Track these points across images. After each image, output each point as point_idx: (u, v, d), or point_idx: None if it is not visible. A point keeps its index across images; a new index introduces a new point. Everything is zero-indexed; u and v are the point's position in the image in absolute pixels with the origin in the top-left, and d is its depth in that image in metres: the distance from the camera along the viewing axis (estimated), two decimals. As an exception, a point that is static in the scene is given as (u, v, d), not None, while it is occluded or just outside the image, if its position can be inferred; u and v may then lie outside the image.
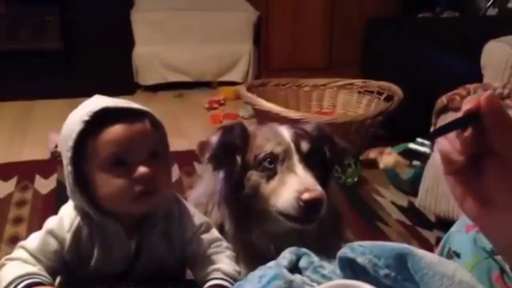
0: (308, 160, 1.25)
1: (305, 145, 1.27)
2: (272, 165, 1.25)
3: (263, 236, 1.28)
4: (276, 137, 1.29)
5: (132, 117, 1.04)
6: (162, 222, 1.11)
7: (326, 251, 1.06)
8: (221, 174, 1.32)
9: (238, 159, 1.28)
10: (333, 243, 1.37)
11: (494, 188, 0.66)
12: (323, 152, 1.33)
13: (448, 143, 0.68)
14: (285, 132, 1.30)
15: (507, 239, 0.69)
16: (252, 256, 1.24)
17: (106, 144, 1.01)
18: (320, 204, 1.18)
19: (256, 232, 1.28)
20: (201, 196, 1.39)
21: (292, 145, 1.26)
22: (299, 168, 1.23)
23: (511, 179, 0.64)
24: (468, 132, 0.65)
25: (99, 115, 1.02)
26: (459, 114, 0.65)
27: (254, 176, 1.26)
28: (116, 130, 1.01)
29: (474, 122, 0.64)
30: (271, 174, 1.25)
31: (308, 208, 1.17)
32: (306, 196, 1.16)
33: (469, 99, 0.65)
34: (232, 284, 1.09)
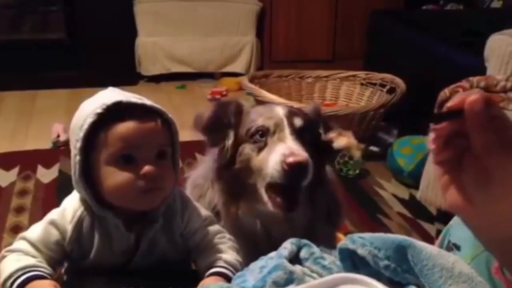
0: (301, 136, 1.25)
1: (298, 121, 1.28)
2: (263, 138, 1.25)
3: (250, 214, 1.28)
4: (269, 112, 1.30)
5: (144, 114, 1.04)
6: (163, 217, 1.12)
7: (315, 237, 1.06)
8: (215, 151, 1.33)
9: (231, 134, 1.29)
10: (324, 231, 1.36)
11: (470, 184, 0.68)
12: (318, 133, 1.33)
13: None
14: (279, 109, 1.31)
15: (485, 233, 0.71)
16: (238, 232, 1.24)
17: (116, 139, 1.01)
18: (305, 170, 1.17)
19: (243, 207, 1.28)
20: (198, 178, 1.40)
21: (285, 120, 1.27)
22: (289, 139, 1.22)
23: (484, 179, 0.66)
24: (439, 126, 0.68)
25: (112, 108, 1.02)
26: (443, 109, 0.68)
27: (245, 149, 1.27)
28: (127, 127, 1.01)
29: (456, 119, 0.67)
30: (261, 146, 1.25)
31: (292, 173, 1.16)
32: (290, 159, 1.15)
33: (457, 96, 0.67)
34: (233, 273, 1.10)
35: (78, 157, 1.02)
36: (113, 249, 1.09)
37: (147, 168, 1.01)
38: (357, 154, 1.20)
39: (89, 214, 1.08)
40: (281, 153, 1.18)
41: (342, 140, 1.25)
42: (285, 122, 1.26)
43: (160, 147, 1.05)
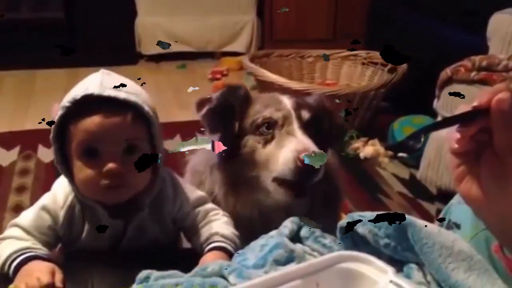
0: (308, 129, 1.24)
1: (305, 114, 1.25)
2: (270, 130, 1.23)
3: (249, 205, 1.27)
4: (276, 104, 1.27)
5: (115, 107, 1.01)
6: (152, 203, 1.12)
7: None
8: (216, 139, 1.30)
9: (236, 123, 1.26)
10: (324, 219, 1.35)
11: (486, 178, 0.68)
12: (323, 124, 1.31)
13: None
14: (286, 100, 1.28)
15: (496, 224, 0.72)
16: (237, 222, 1.23)
17: (81, 133, 1.00)
18: (318, 168, 1.16)
19: (242, 201, 1.27)
20: (198, 164, 1.39)
21: (293, 112, 1.24)
22: (299, 133, 1.20)
23: (502, 174, 0.66)
24: (466, 129, 0.68)
25: (81, 102, 1.00)
26: (467, 108, 0.67)
27: (250, 141, 1.24)
28: (92, 121, 1.00)
29: (482, 116, 0.65)
30: (268, 139, 1.22)
31: (305, 170, 1.13)
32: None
33: (482, 93, 0.65)
34: (232, 246, 1.11)
35: (52, 146, 1.03)
36: (102, 234, 1.10)
37: (110, 165, 1.00)
38: (385, 161, 1.18)
39: (78, 200, 1.09)
40: (294, 149, 1.15)
41: (369, 149, 1.22)
42: (294, 115, 1.23)
43: (128, 141, 1.02)
